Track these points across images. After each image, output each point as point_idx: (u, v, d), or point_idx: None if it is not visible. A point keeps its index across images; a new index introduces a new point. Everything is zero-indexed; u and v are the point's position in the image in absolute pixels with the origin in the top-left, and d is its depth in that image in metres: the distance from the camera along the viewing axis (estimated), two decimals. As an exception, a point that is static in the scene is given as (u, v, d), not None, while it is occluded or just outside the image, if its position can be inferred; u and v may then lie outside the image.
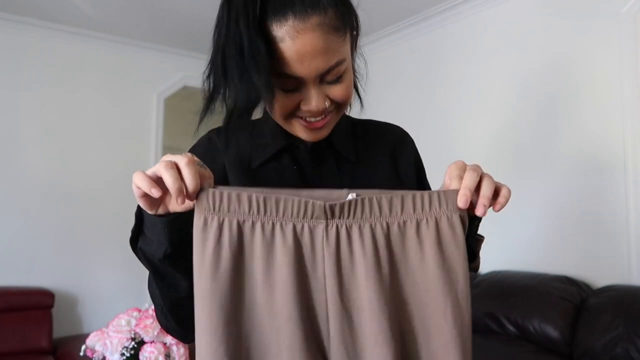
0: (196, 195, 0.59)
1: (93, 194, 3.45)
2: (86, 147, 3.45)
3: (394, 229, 0.61)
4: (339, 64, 0.68)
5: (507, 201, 0.64)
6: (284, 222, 0.59)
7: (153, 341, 1.41)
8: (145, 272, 0.74)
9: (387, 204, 0.60)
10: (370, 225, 0.60)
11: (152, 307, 1.53)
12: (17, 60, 3.25)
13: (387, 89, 3.42)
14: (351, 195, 0.61)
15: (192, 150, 0.81)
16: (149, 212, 0.61)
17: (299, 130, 0.72)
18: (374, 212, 0.60)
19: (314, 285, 0.59)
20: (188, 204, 0.60)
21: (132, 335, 1.41)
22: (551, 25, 2.53)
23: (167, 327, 0.76)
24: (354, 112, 0.86)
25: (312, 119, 0.70)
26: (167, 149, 4.00)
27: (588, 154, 2.35)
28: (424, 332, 0.60)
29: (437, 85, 3.11)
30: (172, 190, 0.56)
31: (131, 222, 0.68)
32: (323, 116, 0.70)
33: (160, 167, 0.58)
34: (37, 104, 3.30)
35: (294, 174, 0.76)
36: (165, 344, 1.44)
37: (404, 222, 0.61)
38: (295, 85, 0.67)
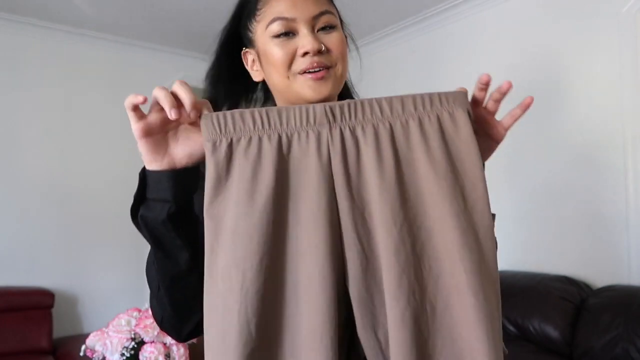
0: (199, 118, 0.61)
1: (93, 194, 3.45)
2: (86, 147, 3.45)
3: (397, 127, 0.61)
4: (328, 12, 0.75)
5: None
6: (289, 133, 0.60)
7: (153, 341, 1.41)
8: (144, 272, 0.73)
9: (388, 106, 0.61)
10: (373, 125, 0.61)
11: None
12: (17, 60, 3.25)
13: (387, 88, 3.42)
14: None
15: None
16: (154, 166, 0.64)
17: (303, 87, 0.74)
18: (375, 113, 0.61)
19: (325, 185, 0.59)
20: (195, 128, 0.63)
21: (132, 335, 1.41)
22: (551, 25, 2.53)
23: (161, 317, 0.72)
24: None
25: (312, 70, 0.73)
26: (167, 149, 4.01)
27: (588, 154, 2.35)
28: (431, 222, 0.60)
29: (437, 85, 3.11)
30: (166, 103, 0.59)
31: (130, 221, 0.68)
32: (320, 68, 0.73)
33: (154, 94, 0.61)
34: (37, 104, 3.30)
35: None
36: (165, 344, 1.44)
37: (407, 121, 0.61)
38: (289, 29, 0.74)
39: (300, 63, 0.73)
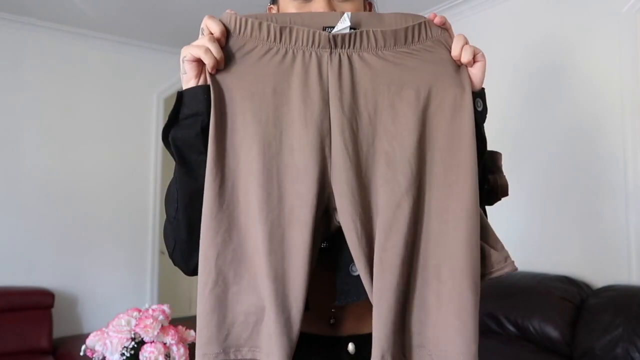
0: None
1: (93, 193, 3.45)
2: (86, 147, 3.45)
3: (389, 54, 0.70)
4: None
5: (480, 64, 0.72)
6: (295, 50, 0.68)
7: (153, 341, 1.41)
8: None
9: (382, 38, 0.69)
10: (367, 53, 0.70)
11: (152, 307, 1.53)
12: (17, 60, 3.25)
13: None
14: (346, 15, 0.69)
15: None
16: (193, 83, 0.68)
17: None
18: (371, 43, 0.69)
19: (321, 97, 0.67)
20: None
21: (132, 335, 1.41)
22: (551, 25, 2.53)
23: (174, 244, 0.76)
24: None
25: None
26: (167, 149, 4.01)
27: (588, 154, 2.35)
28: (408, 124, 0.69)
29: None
30: (214, 54, 0.66)
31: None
32: None
33: (209, 27, 0.69)
34: (37, 103, 3.30)
35: None
36: (165, 344, 1.44)
37: (398, 51, 0.71)
38: None
39: None
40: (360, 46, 0.69)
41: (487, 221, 0.72)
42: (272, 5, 0.88)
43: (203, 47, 0.66)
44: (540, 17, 2.58)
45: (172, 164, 0.73)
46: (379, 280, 0.63)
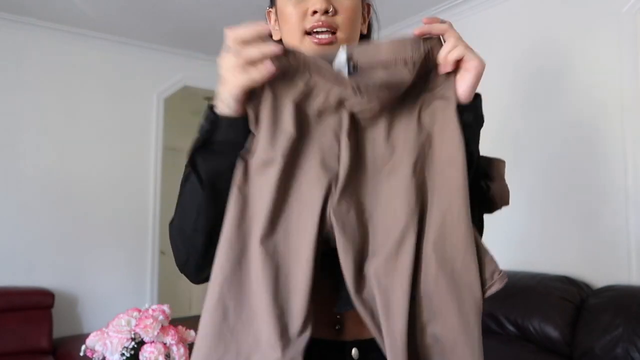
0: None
1: (93, 194, 3.45)
2: (86, 147, 3.45)
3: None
4: None
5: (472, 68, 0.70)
6: (315, 91, 0.67)
7: (153, 341, 1.41)
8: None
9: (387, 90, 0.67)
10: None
11: (152, 307, 1.53)
12: (18, 60, 3.25)
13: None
14: (342, 48, 0.67)
15: None
16: (232, 112, 0.65)
17: (309, 49, 0.77)
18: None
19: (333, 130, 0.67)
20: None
21: (132, 336, 1.41)
22: (551, 25, 2.53)
23: (187, 258, 0.74)
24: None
25: (320, 30, 0.77)
26: (167, 149, 4.00)
27: (588, 154, 2.35)
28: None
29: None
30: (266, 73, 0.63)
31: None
32: (327, 29, 0.77)
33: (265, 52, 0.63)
34: (37, 104, 3.30)
35: None
36: (165, 344, 1.44)
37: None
38: None
39: (308, 21, 0.77)
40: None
41: (477, 235, 0.71)
42: (271, 9, 0.88)
43: (259, 70, 0.62)
44: (540, 17, 2.58)
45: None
46: (387, 323, 0.63)
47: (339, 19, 0.78)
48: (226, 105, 0.64)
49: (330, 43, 0.77)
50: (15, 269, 3.14)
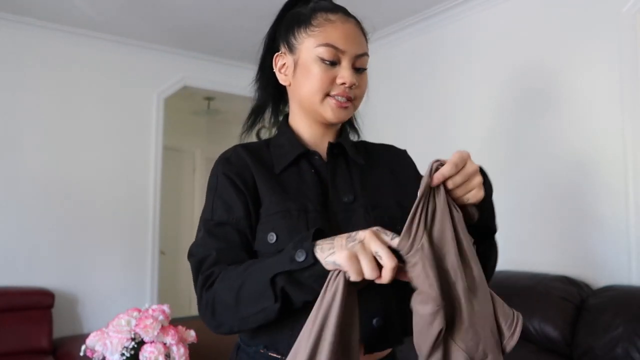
0: None
1: (93, 194, 3.45)
2: (86, 147, 3.45)
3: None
4: (366, 54, 0.90)
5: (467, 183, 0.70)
6: None
7: (153, 341, 1.41)
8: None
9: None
10: None
11: (152, 307, 1.53)
12: (17, 60, 3.25)
13: (387, 88, 3.42)
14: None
15: (227, 163, 0.91)
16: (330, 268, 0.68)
17: (329, 108, 0.88)
18: None
19: None
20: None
21: (132, 335, 1.41)
22: (551, 25, 2.53)
23: (230, 329, 0.81)
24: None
25: (341, 99, 0.87)
26: (167, 149, 4.00)
27: (588, 154, 2.35)
28: None
29: (436, 86, 3.11)
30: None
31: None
32: (348, 100, 0.88)
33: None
34: (36, 104, 3.30)
35: (313, 177, 0.90)
36: (165, 344, 1.44)
37: None
38: (335, 58, 0.87)
39: (336, 89, 0.87)
40: None
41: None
42: (282, 54, 0.94)
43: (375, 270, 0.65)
44: (540, 17, 2.58)
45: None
46: None
47: (357, 92, 0.90)
48: (324, 263, 0.68)
49: (346, 108, 0.89)
50: (15, 269, 3.14)
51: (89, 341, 1.43)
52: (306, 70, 0.88)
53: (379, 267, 0.65)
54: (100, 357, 1.41)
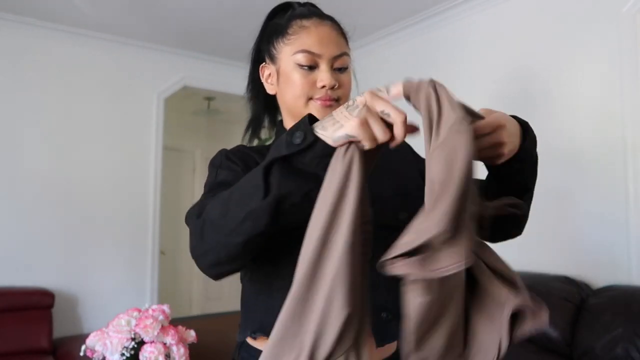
0: None
1: (93, 193, 3.45)
2: (86, 147, 3.45)
3: None
4: (345, 54, 0.92)
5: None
6: None
7: (153, 341, 1.41)
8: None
9: None
10: None
11: (152, 307, 1.53)
12: (17, 60, 3.25)
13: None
14: None
15: (231, 152, 0.92)
16: (337, 144, 0.61)
17: (314, 110, 0.89)
18: None
19: None
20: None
21: (132, 335, 1.41)
22: (550, 25, 2.53)
23: (216, 259, 0.72)
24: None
25: (325, 96, 0.89)
26: (167, 149, 4.00)
27: (588, 154, 2.35)
28: None
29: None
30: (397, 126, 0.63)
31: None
32: (331, 100, 0.89)
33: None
34: (36, 104, 3.30)
35: (310, 177, 0.83)
36: (165, 344, 1.44)
37: None
38: (313, 63, 0.89)
39: (317, 92, 0.89)
40: None
41: None
42: (267, 64, 0.97)
43: (386, 132, 0.61)
44: (539, 17, 2.58)
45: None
46: None
47: (340, 92, 0.91)
48: (334, 139, 0.61)
49: (330, 106, 0.89)
50: (15, 269, 3.14)
51: (89, 341, 1.44)
52: (287, 78, 0.91)
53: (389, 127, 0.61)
54: (100, 357, 1.41)
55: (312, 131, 0.63)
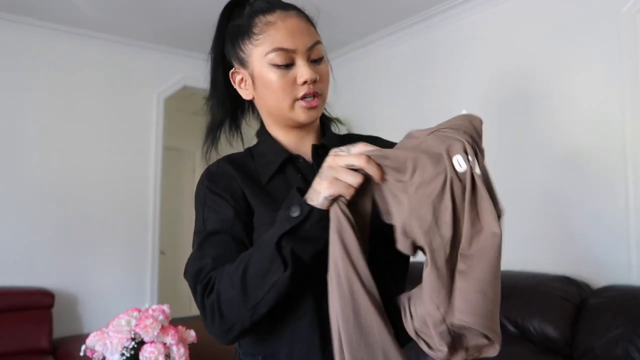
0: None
1: (93, 194, 3.45)
2: (86, 147, 3.45)
3: None
4: (318, 42, 0.86)
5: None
6: None
7: (153, 341, 1.41)
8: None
9: None
10: None
11: (152, 307, 1.53)
12: (17, 60, 3.25)
13: (386, 88, 3.42)
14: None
15: (213, 178, 0.90)
16: (326, 207, 0.70)
17: (300, 112, 0.86)
18: None
19: None
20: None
21: (132, 335, 1.41)
22: (551, 25, 2.53)
23: (241, 329, 0.76)
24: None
25: (310, 98, 0.85)
26: (167, 149, 4.00)
27: (588, 154, 2.35)
28: None
29: (433, 86, 3.11)
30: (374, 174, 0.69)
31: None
32: (314, 97, 0.85)
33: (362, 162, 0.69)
34: (36, 104, 3.30)
35: (300, 182, 0.87)
36: (165, 344, 1.44)
37: None
38: (289, 60, 0.83)
39: (300, 90, 0.84)
40: None
41: None
42: (237, 70, 0.91)
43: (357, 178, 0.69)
44: (539, 17, 2.58)
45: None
46: None
47: (320, 85, 0.86)
48: (320, 204, 0.70)
49: (316, 106, 0.86)
50: (15, 269, 3.14)
51: (89, 341, 1.43)
52: (264, 81, 0.85)
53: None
54: (100, 357, 1.41)
55: (306, 202, 0.71)
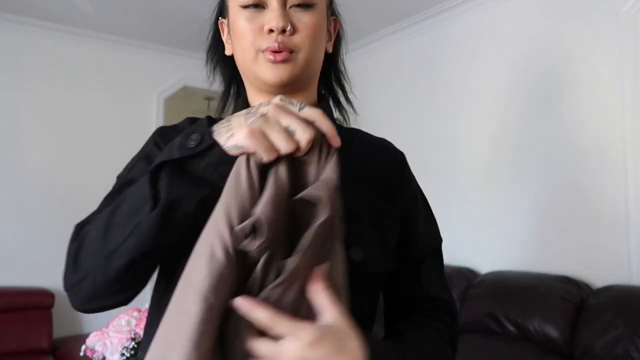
0: None
1: (93, 193, 3.42)
2: (86, 147, 3.45)
3: None
4: None
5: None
6: None
7: (153, 341, 1.41)
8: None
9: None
10: None
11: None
12: (18, 60, 3.25)
13: (387, 88, 3.42)
14: None
15: (164, 131, 0.74)
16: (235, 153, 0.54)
17: (264, 67, 0.68)
18: None
19: None
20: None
21: (132, 335, 1.41)
22: (551, 25, 2.53)
23: (94, 286, 0.58)
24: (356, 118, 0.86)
25: (274, 45, 0.66)
26: (167, 149, 4.00)
27: (588, 154, 2.35)
28: None
29: (437, 86, 3.11)
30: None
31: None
32: (284, 50, 0.67)
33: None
34: (37, 104, 3.30)
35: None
36: (165, 344, 1.44)
37: None
38: (259, 0, 0.67)
39: (263, 40, 0.67)
40: None
41: None
42: (223, 20, 0.76)
43: (291, 141, 0.52)
44: (540, 17, 2.58)
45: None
46: None
47: (298, 39, 0.67)
48: (226, 148, 0.54)
49: (286, 61, 0.67)
50: (15, 269, 3.14)
51: (89, 341, 1.43)
52: (234, 29, 0.70)
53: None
54: (100, 357, 1.41)
55: (210, 135, 0.55)
